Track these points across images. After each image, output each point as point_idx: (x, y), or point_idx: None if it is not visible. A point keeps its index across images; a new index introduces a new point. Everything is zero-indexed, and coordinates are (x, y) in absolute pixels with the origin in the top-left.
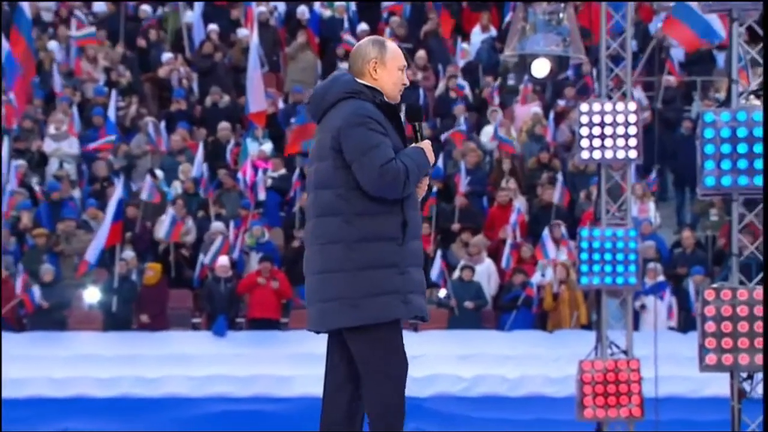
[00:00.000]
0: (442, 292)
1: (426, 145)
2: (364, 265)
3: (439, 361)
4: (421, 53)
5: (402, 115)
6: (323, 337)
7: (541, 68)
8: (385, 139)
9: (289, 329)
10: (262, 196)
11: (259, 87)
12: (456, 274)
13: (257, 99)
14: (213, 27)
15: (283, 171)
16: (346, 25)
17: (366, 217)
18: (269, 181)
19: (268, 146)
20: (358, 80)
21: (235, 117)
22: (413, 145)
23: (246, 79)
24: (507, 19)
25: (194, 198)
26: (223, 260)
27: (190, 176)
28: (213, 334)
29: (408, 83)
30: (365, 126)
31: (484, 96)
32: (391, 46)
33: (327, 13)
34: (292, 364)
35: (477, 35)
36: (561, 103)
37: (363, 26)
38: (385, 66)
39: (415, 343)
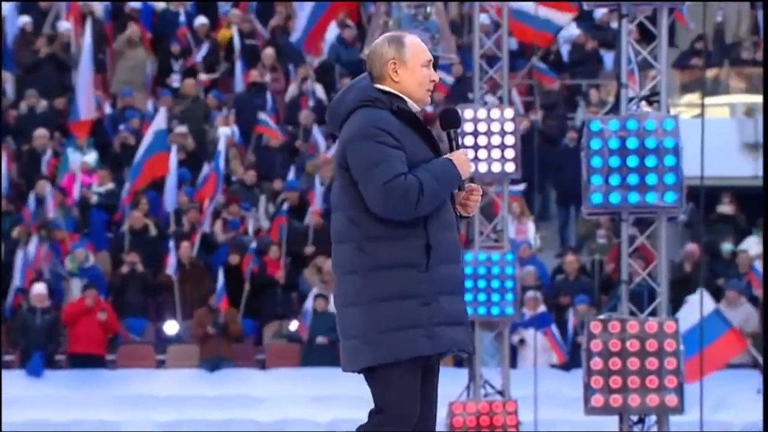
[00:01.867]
0: (294, 325)
1: (456, 155)
2: (381, 296)
3: (291, 404)
4: (269, 51)
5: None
6: (154, 378)
7: None
8: (394, 153)
9: (116, 368)
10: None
11: (90, 92)
12: (308, 303)
13: (88, 106)
14: (27, 20)
15: (110, 185)
16: (182, 18)
17: (380, 243)
18: (95, 198)
19: (92, 156)
20: (378, 86)
21: (54, 123)
22: (445, 156)
23: (71, 81)
24: (368, 13)
25: (7, 216)
26: (39, 288)
27: None
28: (27, 374)
29: (437, 79)
30: (373, 138)
31: None
32: (411, 40)
33: (161, 5)
34: (120, 407)
35: (333, 31)
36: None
37: (202, 20)
38: (407, 66)
39: (261, 383)
